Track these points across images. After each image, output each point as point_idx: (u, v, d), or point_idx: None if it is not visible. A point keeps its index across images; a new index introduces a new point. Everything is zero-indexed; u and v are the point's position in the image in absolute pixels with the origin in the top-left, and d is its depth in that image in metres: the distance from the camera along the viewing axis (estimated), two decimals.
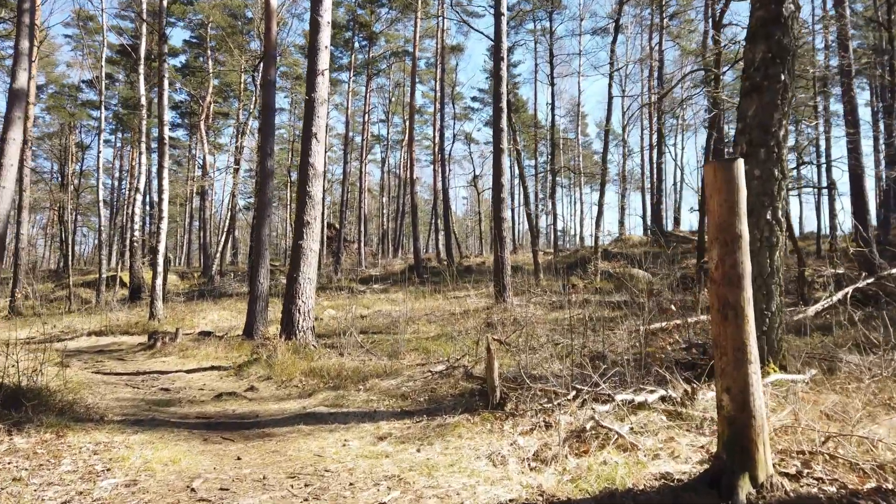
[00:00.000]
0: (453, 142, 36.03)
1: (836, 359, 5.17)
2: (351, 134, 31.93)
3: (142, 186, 19.94)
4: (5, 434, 4.02)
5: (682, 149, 37.43)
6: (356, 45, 30.94)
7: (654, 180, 27.88)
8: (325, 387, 6.19)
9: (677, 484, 2.82)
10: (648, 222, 29.20)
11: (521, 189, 28.12)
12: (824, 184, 22.43)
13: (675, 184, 35.15)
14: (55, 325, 13.75)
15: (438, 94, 27.96)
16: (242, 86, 28.77)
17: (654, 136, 28.45)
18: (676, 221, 31.29)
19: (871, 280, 8.75)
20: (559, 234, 36.20)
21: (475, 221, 47.77)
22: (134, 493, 3.12)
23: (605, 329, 6.64)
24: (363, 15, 29.51)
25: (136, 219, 20.50)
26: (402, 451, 3.84)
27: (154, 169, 21.02)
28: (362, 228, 31.26)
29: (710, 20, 18.60)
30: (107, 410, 5.26)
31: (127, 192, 32.75)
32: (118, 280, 22.42)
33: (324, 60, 9.23)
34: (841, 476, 2.76)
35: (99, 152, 23.17)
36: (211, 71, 26.53)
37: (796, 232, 22.31)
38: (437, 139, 28.69)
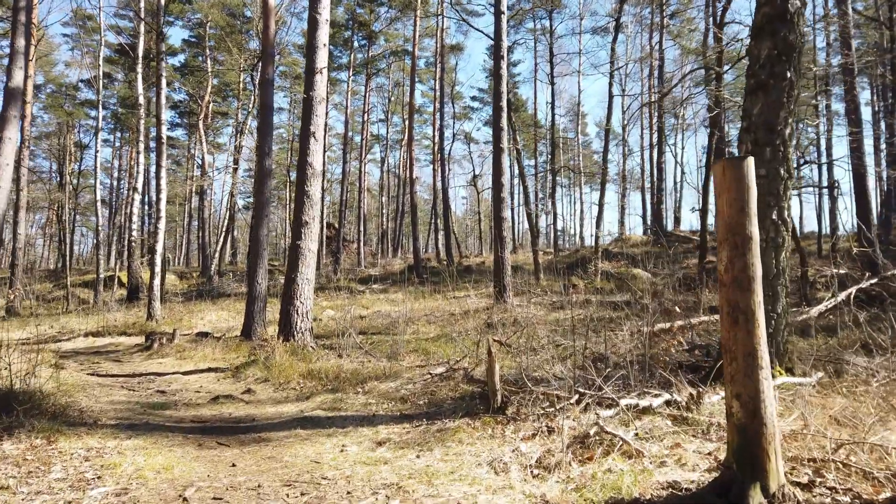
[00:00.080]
0: (453, 141, 35.90)
1: (843, 361, 5.09)
2: (350, 133, 31.84)
3: (140, 186, 19.86)
4: None
5: (683, 148, 37.37)
6: (355, 44, 30.84)
7: (655, 180, 27.79)
8: (323, 389, 6.09)
9: (685, 493, 2.73)
10: (649, 222, 29.11)
11: (521, 188, 28.05)
12: (824, 183, 22.36)
13: (675, 183, 35.06)
14: (52, 325, 13.66)
15: (438, 93, 27.86)
16: (241, 85, 28.66)
17: (655, 136, 28.39)
18: (677, 221, 31.19)
19: (874, 280, 8.65)
20: (559, 233, 36.10)
21: (475, 221, 47.69)
22: (124, 503, 3.02)
23: (607, 330, 6.56)
24: (362, 14, 29.40)
25: (135, 218, 20.42)
26: (401, 456, 3.75)
27: (153, 168, 20.91)
28: (361, 228, 31.16)
29: (711, 19, 18.54)
30: (101, 414, 5.17)
31: (126, 192, 32.68)
32: (116, 280, 22.32)
33: (322, 59, 9.14)
34: (854, 485, 2.67)
35: (97, 152, 23.05)
36: (210, 70, 26.39)
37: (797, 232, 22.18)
38: (436, 139, 28.60)
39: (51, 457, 3.71)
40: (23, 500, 3.01)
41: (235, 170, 27.59)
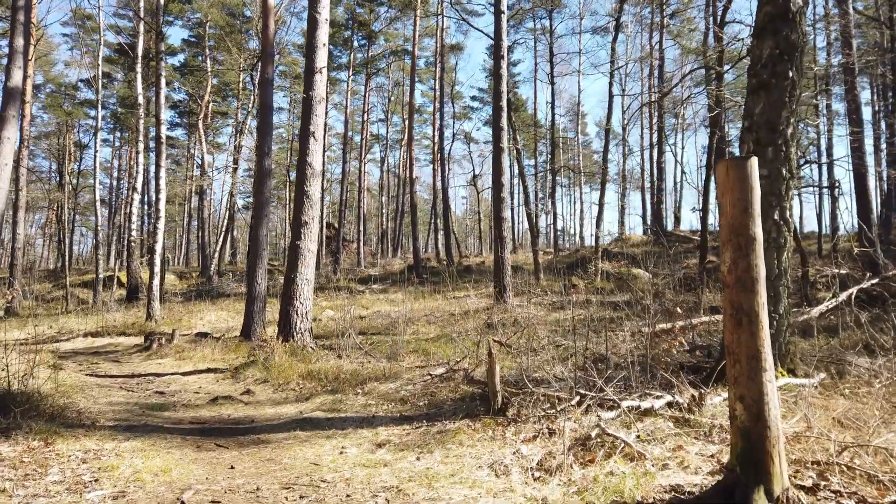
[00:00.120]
0: (453, 141, 35.84)
1: (845, 362, 5.06)
2: (350, 133, 31.79)
3: (140, 186, 19.82)
4: None
5: (683, 148, 37.25)
6: (355, 43, 30.79)
7: (655, 179, 27.74)
8: (322, 390, 6.06)
9: (688, 497, 2.71)
10: (649, 222, 29.07)
11: (521, 188, 28.01)
12: (825, 183, 22.32)
13: (675, 183, 35.02)
14: (51, 325, 13.62)
15: (438, 93, 27.81)
16: (241, 85, 28.62)
17: (655, 136, 28.35)
18: (677, 221, 31.14)
19: (875, 280, 8.63)
20: (559, 233, 36.03)
21: (475, 221, 47.64)
22: None
23: (608, 330, 6.53)
24: (362, 13, 29.35)
25: (134, 218, 20.39)
26: (401, 459, 3.72)
27: (152, 168, 20.86)
28: (361, 228, 31.13)
29: (711, 18, 18.50)
30: (99, 415, 5.14)
31: (125, 192, 32.65)
32: (116, 280, 22.28)
33: (321, 58, 9.11)
34: (859, 489, 2.65)
35: (96, 152, 23.00)
36: (209, 70, 26.35)
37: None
38: (436, 138, 28.56)
39: (48, 459, 3.68)
40: (19, 503, 2.99)
41: (235, 170, 27.55)
